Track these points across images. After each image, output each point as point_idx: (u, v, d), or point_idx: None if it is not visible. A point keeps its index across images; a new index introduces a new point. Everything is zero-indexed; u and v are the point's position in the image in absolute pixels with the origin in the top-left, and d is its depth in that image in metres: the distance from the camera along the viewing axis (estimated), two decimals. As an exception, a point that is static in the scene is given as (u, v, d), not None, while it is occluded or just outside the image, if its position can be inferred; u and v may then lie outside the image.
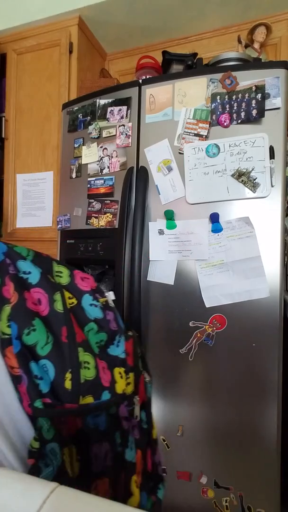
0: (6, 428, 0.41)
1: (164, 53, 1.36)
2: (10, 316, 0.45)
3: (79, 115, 1.25)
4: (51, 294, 0.50)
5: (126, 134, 1.12)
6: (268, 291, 0.93)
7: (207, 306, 0.99)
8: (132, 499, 0.48)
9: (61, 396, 0.44)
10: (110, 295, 0.59)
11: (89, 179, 1.20)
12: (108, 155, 1.16)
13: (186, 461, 1.01)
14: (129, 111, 1.13)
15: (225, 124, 0.99)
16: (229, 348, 0.97)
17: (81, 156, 1.23)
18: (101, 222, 1.16)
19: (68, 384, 0.44)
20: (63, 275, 0.55)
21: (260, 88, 0.95)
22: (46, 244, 1.55)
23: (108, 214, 1.15)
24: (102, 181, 1.17)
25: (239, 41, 1.45)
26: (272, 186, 0.94)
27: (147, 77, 1.22)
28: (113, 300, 0.59)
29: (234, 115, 0.98)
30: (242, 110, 0.97)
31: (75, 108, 1.26)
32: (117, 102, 1.15)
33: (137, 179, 1.09)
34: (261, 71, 0.96)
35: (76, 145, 1.25)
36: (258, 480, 0.93)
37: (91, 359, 0.48)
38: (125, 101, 1.14)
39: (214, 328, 0.98)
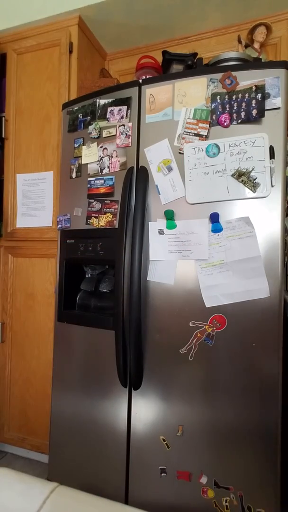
0: None
1: (164, 53, 1.36)
2: None
3: (79, 115, 1.25)
4: None
5: (126, 134, 1.12)
6: (268, 291, 0.93)
7: (207, 306, 0.99)
8: None
9: None
10: None
11: (89, 179, 1.20)
12: (108, 155, 1.16)
13: (186, 461, 1.01)
14: (129, 111, 1.13)
15: (225, 124, 0.99)
16: (229, 348, 0.97)
17: (81, 156, 1.23)
18: (101, 222, 1.16)
19: None
20: None
21: (260, 88, 0.95)
22: (46, 244, 1.55)
23: (108, 214, 1.15)
24: (102, 181, 1.17)
25: (239, 41, 1.45)
26: (272, 186, 0.94)
27: (147, 77, 1.22)
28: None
29: (234, 115, 0.98)
30: (242, 110, 0.97)
31: (75, 108, 1.26)
32: (117, 102, 1.15)
33: (137, 179, 1.09)
34: (261, 71, 0.96)
35: (76, 145, 1.25)
36: (258, 480, 0.93)
37: None
38: (125, 101, 1.14)
39: (214, 328, 0.98)
